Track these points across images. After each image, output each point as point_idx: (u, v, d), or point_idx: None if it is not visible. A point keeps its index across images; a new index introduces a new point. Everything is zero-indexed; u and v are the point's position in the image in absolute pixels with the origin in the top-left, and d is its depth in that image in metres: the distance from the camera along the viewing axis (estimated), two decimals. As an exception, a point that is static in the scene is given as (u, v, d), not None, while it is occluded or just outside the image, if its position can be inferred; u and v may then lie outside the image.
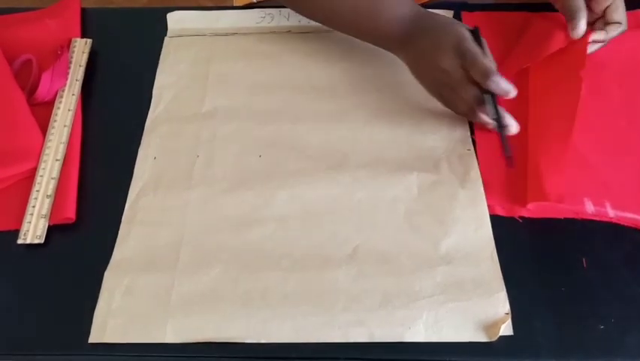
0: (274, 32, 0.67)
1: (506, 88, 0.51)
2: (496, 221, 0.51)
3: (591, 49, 0.58)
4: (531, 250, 0.50)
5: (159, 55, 0.65)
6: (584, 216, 0.51)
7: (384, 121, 0.58)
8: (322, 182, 0.54)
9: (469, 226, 0.51)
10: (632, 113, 0.58)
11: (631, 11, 0.62)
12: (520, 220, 0.51)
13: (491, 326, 0.45)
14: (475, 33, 0.54)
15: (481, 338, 0.44)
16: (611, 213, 0.51)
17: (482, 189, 0.53)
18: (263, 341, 0.45)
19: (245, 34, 0.67)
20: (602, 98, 0.59)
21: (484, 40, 0.54)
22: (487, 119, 0.54)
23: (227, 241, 0.51)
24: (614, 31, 0.57)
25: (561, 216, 0.51)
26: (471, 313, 0.46)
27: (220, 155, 0.57)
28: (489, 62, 0.52)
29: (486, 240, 0.50)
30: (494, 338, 0.44)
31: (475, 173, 0.54)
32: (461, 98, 0.54)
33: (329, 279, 0.48)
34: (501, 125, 0.53)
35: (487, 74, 0.51)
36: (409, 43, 0.56)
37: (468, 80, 0.52)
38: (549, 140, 0.55)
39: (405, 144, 0.57)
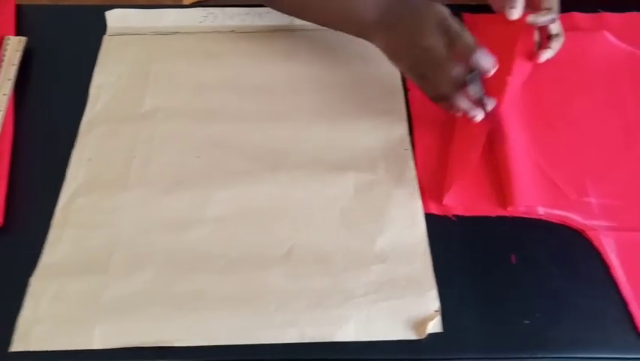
0: (217, 32, 0.67)
1: (489, 63, 0.51)
2: (431, 219, 0.52)
3: (544, 56, 0.59)
4: (463, 248, 0.51)
5: (98, 54, 0.63)
6: (515, 214, 0.53)
7: (324, 121, 0.59)
8: (260, 182, 0.54)
9: (404, 225, 0.51)
10: (566, 111, 0.60)
11: (565, 14, 0.64)
12: (454, 218, 0.52)
13: (421, 323, 0.45)
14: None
15: (411, 335, 0.45)
16: (541, 211, 0.53)
17: (417, 188, 0.54)
18: (194, 343, 0.45)
19: (187, 33, 0.66)
20: (538, 99, 0.60)
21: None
22: (463, 104, 0.53)
23: (163, 243, 0.50)
24: (543, 17, 0.57)
25: (493, 214, 0.53)
26: (402, 312, 0.46)
27: (158, 156, 0.56)
28: (471, 37, 0.52)
29: (420, 238, 0.50)
30: (423, 336, 0.45)
31: (411, 172, 0.55)
32: (445, 76, 0.52)
33: (264, 279, 0.48)
34: (484, 103, 0.52)
35: (472, 48, 0.50)
36: (386, 27, 0.55)
37: (451, 58, 0.51)
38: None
39: (342, 145, 0.57)
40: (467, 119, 0.54)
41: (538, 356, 0.45)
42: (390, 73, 0.62)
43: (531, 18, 0.57)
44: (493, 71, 0.52)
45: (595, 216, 0.52)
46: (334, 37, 0.65)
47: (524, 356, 0.45)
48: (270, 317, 0.46)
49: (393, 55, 0.55)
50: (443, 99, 0.54)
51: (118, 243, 0.50)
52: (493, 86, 0.55)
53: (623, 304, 0.47)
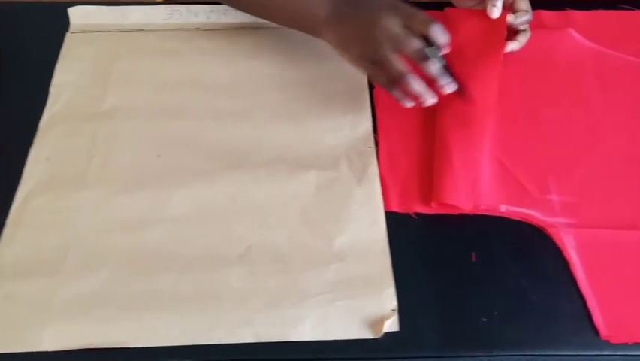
0: (182, 29, 0.66)
1: (444, 38, 0.51)
2: (392, 217, 0.52)
3: (509, 47, 0.60)
4: (423, 246, 0.50)
5: (59, 51, 0.63)
6: (477, 212, 0.52)
7: (287, 120, 0.58)
8: (221, 181, 0.53)
9: (364, 223, 0.51)
10: (531, 108, 0.60)
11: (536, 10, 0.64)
12: (415, 216, 0.52)
13: (378, 323, 0.45)
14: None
15: (367, 335, 0.45)
16: (503, 208, 0.52)
17: (379, 186, 0.53)
18: (147, 345, 0.44)
19: (151, 30, 0.65)
20: (503, 95, 0.60)
21: None
22: (417, 86, 0.52)
23: (119, 243, 0.49)
24: (521, 18, 0.59)
25: (454, 212, 0.52)
26: (358, 311, 0.46)
27: (117, 155, 0.55)
28: (425, 14, 0.52)
29: (379, 236, 0.50)
30: (379, 335, 0.44)
31: (373, 170, 0.54)
32: (398, 63, 0.51)
33: (220, 279, 0.47)
34: (446, 76, 0.52)
35: (428, 23, 0.51)
36: (337, 20, 0.54)
37: (409, 33, 0.51)
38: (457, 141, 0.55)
39: (306, 143, 0.56)
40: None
41: (494, 354, 0.45)
42: (355, 71, 0.62)
43: (510, 18, 0.59)
44: (448, 48, 0.52)
45: (556, 214, 0.52)
46: (299, 34, 0.65)
47: (480, 354, 0.45)
48: (225, 317, 0.45)
49: (344, 45, 0.55)
50: (396, 83, 0.52)
51: (73, 243, 0.49)
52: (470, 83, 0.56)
53: (582, 301, 0.47)
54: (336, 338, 0.45)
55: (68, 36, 0.64)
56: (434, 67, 0.52)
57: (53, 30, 0.64)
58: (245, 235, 0.50)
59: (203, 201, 0.52)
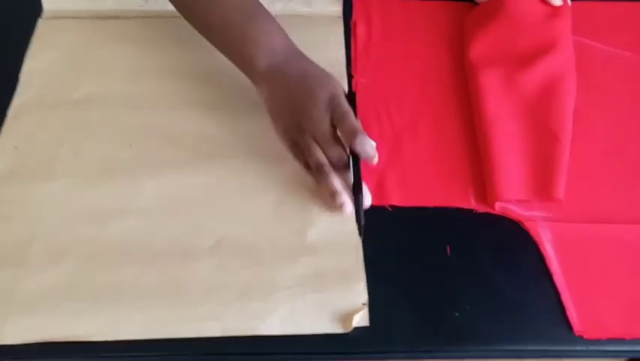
0: (159, 17, 0.64)
1: (371, 152, 0.48)
2: (366, 210, 0.50)
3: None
4: (398, 239, 0.50)
5: (31, 38, 0.61)
6: (452, 204, 0.51)
7: (261, 111, 0.57)
8: (193, 172, 0.52)
9: (337, 216, 0.50)
10: (511, 101, 0.58)
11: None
12: (390, 209, 0.51)
13: (348, 317, 0.44)
14: (350, 96, 0.51)
15: (337, 329, 0.44)
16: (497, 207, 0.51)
17: (352, 179, 0.52)
18: (110, 338, 0.43)
19: (127, 18, 0.64)
20: (484, 86, 0.59)
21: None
22: (334, 185, 0.48)
23: (85, 234, 0.48)
24: None
25: (429, 205, 0.51)
26: (329, 305, 0.45)
27: (88, 144, 0.54)
28: (358, 123, 0.48)
29: (352, 229, 0.49)
30: (349, 330, 0.44)
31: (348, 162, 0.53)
32: (318, 153, 0.48)
33: (188, 272, 0.46)
34: (358, 192, 0.48)
35: (354, 133, 0.47)
36: (276, 78, 0.51)
37: (334, 137, 0.48)
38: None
39: (281, 133, 0.55)
40: None
41: (466, 348, 0.44)
42: (334, 60, 0.61)
43: None
44: (374, 162, 0.49)
45: (533, 208, 0.51)
46: (279, 23, 0.63)
47: (451, 349, 0.44)
48: (192, 310, 0.44)
49: (275, 112, 0.51)
50: (315, 171, 0.49)
51: (37, 235, 0.48)
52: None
53: (557, 296, 0.47)
54: (306, 333, 0.44)
55: (40, 22, 0.63)
56: (348, 179, 0.49)
57: (25, 16, 0.63)
58: (216, 226, 0.49)
59: (174, 192, 0.51)
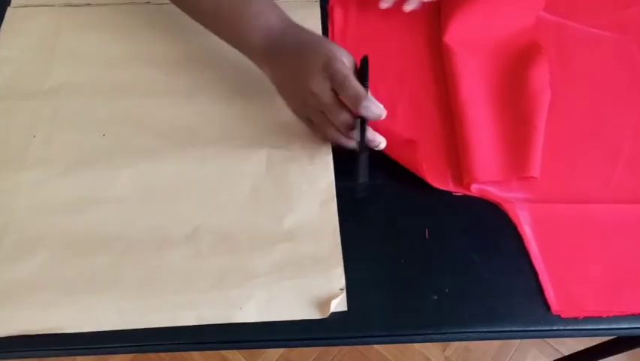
0: (132, 4, 0.63)
1: (378, 112, 0.47)
2: (345, 194, 0.50)
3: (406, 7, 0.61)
4: (376, 222, 0.49)
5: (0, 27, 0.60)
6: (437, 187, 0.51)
7: (238, 97, 0.56)
8: (168, 160, 0.51)
9: (315, 201, 0.49)
10: (489, 83, 0.58)
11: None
12: (370, 190, 0.50)
13: (325, 302, 0.44)
14: (363, 60, 0.51)
15: (314, 315, 0.44)
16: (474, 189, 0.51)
17: (331, 164, 0.52)
18: (84, 330, 0.42)
19: (99, 5, 0.63)
20: (463, 68, 0.59)
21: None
22: (351, 144, 0.49)
23: (59, 224, 0.47)
24: None
25: (409, 167, 0.51)
26: (306, 291, 0.45)
27: (60, 134, 0.53)
28: (359, 85, 0.47)
29: (330, 215, 0.49)
30: (326, 315, 0.43)
31: (327, 147, 0.53)
32: (331, 123, 0.49)
33: (164, 261, 0.46)
34: (364, 150, 0.48)
35: (358, 99, 0.46)
36: (275, 57, 0.51)
37: (338, 104, 0.48)
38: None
39: (258, 120, 0.54)
40: None
41: (443, 331, 0.44)
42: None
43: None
44: (382, 118, 0.48)
45: (512, 189, 0.51)
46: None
47: (429, 332, 0.44)
48: (168, 299, 0.44)
49: (282, 92, 0.52)
50: (334, 142, 0.50)
51: (9, 226, 0.47)
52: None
53: (535, 277, 0.47)
54: (283, 319, 0.43)
55: (10, 10, 0.61)
56: (356, 138, 0.49)
57: (-6, 4, 0.61)
58: (192, 214, 0.48)
59: (149, 180, 0.50)
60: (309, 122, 0.51)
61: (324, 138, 0.51)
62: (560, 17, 0.63)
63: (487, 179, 0.50)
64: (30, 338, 0.42)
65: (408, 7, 0.61)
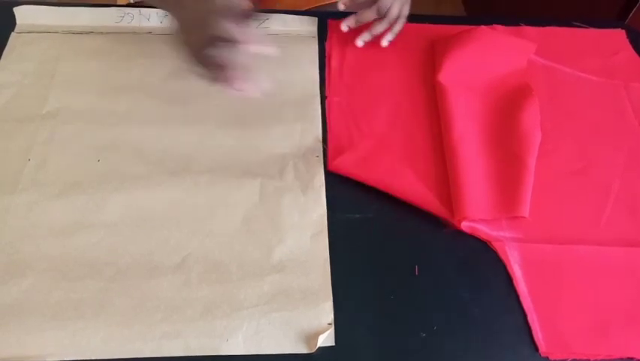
0: (134, 33, 0.64)
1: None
2: (336, 227, 0.50)
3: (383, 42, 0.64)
4: (366, 258, 0.49)
5: (2, 51, 0.61)
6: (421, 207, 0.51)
7: (234, 126, 0.57)
8: (161, 187, 0.52)
9: (306, 234, 0.49)
10: (480, 123, 0.59)
11: (488, 26, 0.65)
12: (358, 222, 0.51)
13: (313, 336, 0.44)
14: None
15: (302, 349, 0.43)
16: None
17: (324, 196, 0.52)
18: (68, 358, 0.42)
19: (101, 33, 0.64)
20: (453, 108, 0.60)
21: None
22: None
23: (48, 249, 0.47)
24: (398, 25, 0.64)
25: (399, 197, 0.51)
26: (294, 324, 0.44)
27: (55, 158, 0.53)
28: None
29: (321, 248, 0.49)
30: (314, 350, 0.43)
31: (320, 179, 0.53)
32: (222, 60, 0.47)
33: (152, 289, 0.45)
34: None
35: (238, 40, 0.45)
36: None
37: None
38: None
39: (253, 150, 0.55)
40: None
41: (431, 369, 0.44)
42: (308, 79, 0.61)
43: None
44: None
45: (502, 228, 0.52)
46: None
47: (416, 370, 0.44)
48: (154, 328, 0.43)
49: (185, 31, 0.48)
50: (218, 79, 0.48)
51: (-2, 248, 0.47)
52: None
53: (523, 315, 0.47)
54: (270, 352, 0.43)
55: (13, 36, 0.62)
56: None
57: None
58: (182, 243, 0.48)
59: (141, 207, 0.50)
60: (204, 60, 0.48)
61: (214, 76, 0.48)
62: (550, 61, 0.65)
63: (478, 217, 0.51)
64: (11, 364, 0.41)
65: (384, 43, 0.64)
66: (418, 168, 0.55)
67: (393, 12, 0.63)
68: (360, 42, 0.64)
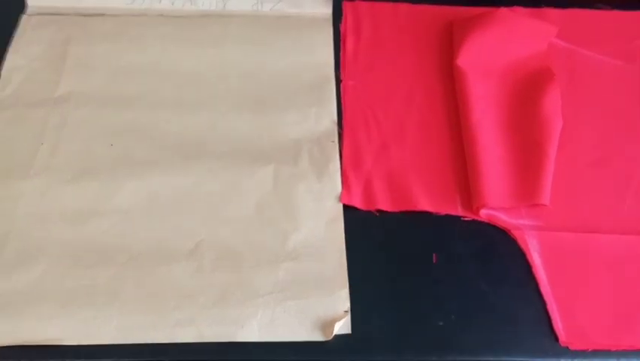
0: (145, 15, 0.63)
1: None
2: (352, 215, 0.49)
3: None
4: (383, 245, 0.48)
5: (13, 34, 0.60)
6: (440, 211, 0.50)
7: (248, 110, 0.56)
8: (174, 172, 0.51)
9: (321, 221, 0.49)
10: (500, 108, 0.58)
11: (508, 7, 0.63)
12: (377, 214, 0.50)
13: (329, 324, 0.43)
14: None
15: (317, 337, 0.43)
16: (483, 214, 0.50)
17: (339, 181, 0.51)
18: (82, 342, 0.42)
19: (113, 15, 0.63)
20: (472, 94, 0.59)
21: None
22: None
23: (61, 234, 0.47)
24: None
25: (417, 209, 0.50)
26: (310, 312, 0.44)
27: (67, 143, 0.53)
28: None
29: (337, 235, 0.48)
30: (330, 338, 0.42)
31: (335, 165, 0.52)
32: None
33: (165, 275, 0.45)
34: None
35: None
36: None
37: None
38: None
39: (267, 135, 0.54)
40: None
41: (448, 359, 0.43)
42: (322, 62, 0.60)
43: None
44: None
45: (521, 216, 0.50)
46: (267, 23, 0.63)
47: (433, 359, 0.43)
48: (168, 315, 0.43)
49: None
50: None
51: (10, 235, 0.46)
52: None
53: (543, 305, 0.46)
54: (285, 340, 0.42)
55: (24, 18, 0.61)
56: None
57: (8, 11, 0.61)
58: (196, 229, 0.48)
59: (154, 193, 0.50)
60: None
61: None
62: (572, 44, 0.63)
63: (497, 205, 0.50)
64: (28, 348, 0.41)
65: None
66: (435, 156, 0.54)
67: None
68: None
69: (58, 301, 0.43)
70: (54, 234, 0.47)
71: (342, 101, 0.57)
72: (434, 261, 0.48)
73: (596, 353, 0.44)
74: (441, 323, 0.44)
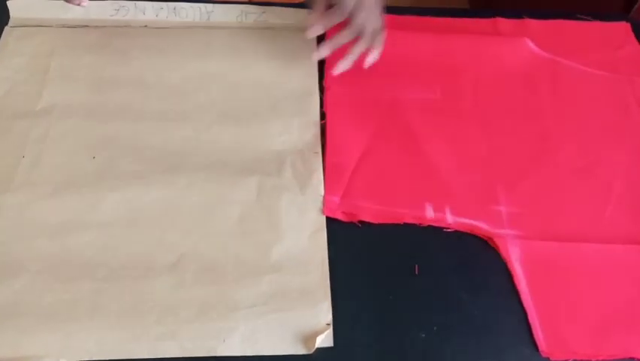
0: (129, 27, 0.63)
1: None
2: (334, 226, 0.50)
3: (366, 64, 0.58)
4: (365, 257, 0.48)
5: (-4, 46, 0.60)
6: (423, 222, 0.51)
7: (231, 122, 0.56)
8: (156, 185, 0.51)
9: (304, 232, 0.49)
10: (482, 117, 0.58)
11: (489, 19, 0.64)
12: (359, 225, 0.50)
13: (311, 337, 0.43)
14: None
15: (300, 350, 0.43)
16: (450, 219, 0.51)
17: (322, 193, 0.51)
18: (62, 358, 0.41)
19: (96, 27, 0.63)
20: (455, 103, 0.59)
21: None
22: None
23: (41, 248, 0.46)
24: (378, 42, 0.58)
25: (400, 222, 0.51)
26: (291, 325, 0.44)
27: (49, 155, 0.52)
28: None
29: (319, 247, 0.48)
30: (312, 351, 0.42)
31: (318, 177, 0.52)
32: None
33: (146, 289, 0.45)
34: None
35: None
36: None
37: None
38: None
39: (250, 147, 0.54)
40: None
41: (430, 371, 0.43)
42: (306, 74, 0.60)
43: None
44: None
45: (503, 225, 0.51)
46: (252, 35, 0.63)
47: (415, 371, 0.43)
48: (149, 329, 0.43)
49: None
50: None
51: (-10, 248, 0.46)
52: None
53: (524, 315, 0.46)
54: (267, 353, 0.42)
55: (7, 30, 0.61)
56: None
57: (-9, 23, 0.61)
58: (177, 242, 0.48)
59: (136, 205, 0.50)
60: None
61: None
62: (554, 55, 0.63)
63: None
64: (5, 365, 0.41)
65: (367, 64, 0.58)
66: (419, 165, 0.54)
67: (370, 27, 0.56)
68: (340, 69, 0.57)
69: (38, 315, 0.43)
70: (34, 248, 0.46)
71: (325, 109, 0.58)
72: (416, 272, 0.48)
73: (576, 363, 0.44)
74: (423, 335, 0.44)
